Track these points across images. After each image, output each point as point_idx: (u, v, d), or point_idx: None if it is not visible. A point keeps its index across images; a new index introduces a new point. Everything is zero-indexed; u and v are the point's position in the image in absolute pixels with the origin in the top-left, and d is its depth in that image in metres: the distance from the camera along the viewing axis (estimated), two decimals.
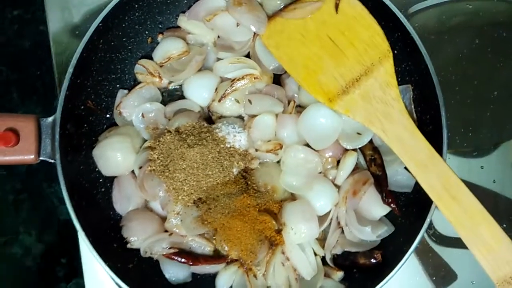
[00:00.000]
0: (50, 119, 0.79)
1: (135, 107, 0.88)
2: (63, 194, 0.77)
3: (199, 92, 0.88)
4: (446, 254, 0.95)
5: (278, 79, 0.91)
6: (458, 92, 0.99)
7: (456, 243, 0.90)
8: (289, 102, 0.88)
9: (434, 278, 0.94)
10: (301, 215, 0.81)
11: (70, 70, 0.79)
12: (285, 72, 0.88)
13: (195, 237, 0.83)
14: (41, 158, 0.79)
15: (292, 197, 0.86)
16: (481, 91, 0.99)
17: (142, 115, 0.87)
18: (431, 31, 1.02)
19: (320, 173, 0.86)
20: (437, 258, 0.95)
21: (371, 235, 0.82)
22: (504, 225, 0.95)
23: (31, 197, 1.35)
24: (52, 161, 0.78)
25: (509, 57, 1.01)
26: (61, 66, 0.97)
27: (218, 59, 0.91)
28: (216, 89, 0.89)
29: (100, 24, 0.82)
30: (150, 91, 0.90)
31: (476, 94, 0.99)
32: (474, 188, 0.74)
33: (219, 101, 0.87)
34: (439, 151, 0.76)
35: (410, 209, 0.84)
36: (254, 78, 0.86)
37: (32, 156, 0.78)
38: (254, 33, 0.88)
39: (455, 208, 0.72)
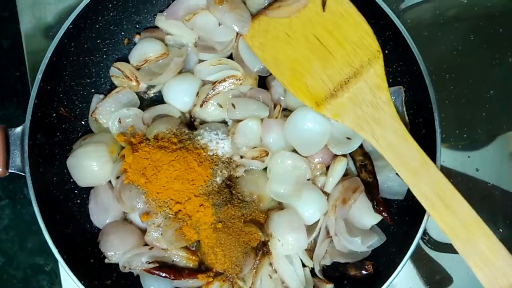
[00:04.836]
0: (18, 129, 0.75)
1: (112, 113, 0.83)
2: (34, 209, 0.72)
3: (179, 97, 0.84)
4: (441, 260, 0.92)
5: (263, 81, 0.87)
6: (453, 91, 0.95)
7: (451, 249, 0.87)
8: (275, 106, 0.84)
9: (428, 285, 0.91)
10: (289, 225, 0.77)
11: (39, 76, 0.75)
12: (271, 74, 0.83)
13: (178, 250, 0.79)
14: (10, 171, 0.75)
15: (279, 206, 0.82)
16: (476, 90, 0.95)
17: (119, 121, 0.82)
18: (425, 27, 0.97)
19: (308, 180, 0.82)
20: (432, 264, 0.92)
21: (361, 246, 0.78)
22: (501, 230, 0.92)
23: (13, 204, 1.31)
24: (22, 173, 0.74)
25: (505, 53, 0.97)
26: (35, 69, 0.92)
27: (200, 61, 0.87)
28: (198, 93, 0.84)
29: (71, 26, 0.77)
30: (127, 95, 0.85)
31: (471, 93, 0.95)
32: (469, 192, 0.70)
33: (201, 105, 0.83)
34: (433, 157, 0.72)
35: (403, 217, 0.80)
36: (237, 80, 0.82)
37: (0, 169, 0.73)
38: (237, 33, 0.83)
39: (449, 218, 0.68)
